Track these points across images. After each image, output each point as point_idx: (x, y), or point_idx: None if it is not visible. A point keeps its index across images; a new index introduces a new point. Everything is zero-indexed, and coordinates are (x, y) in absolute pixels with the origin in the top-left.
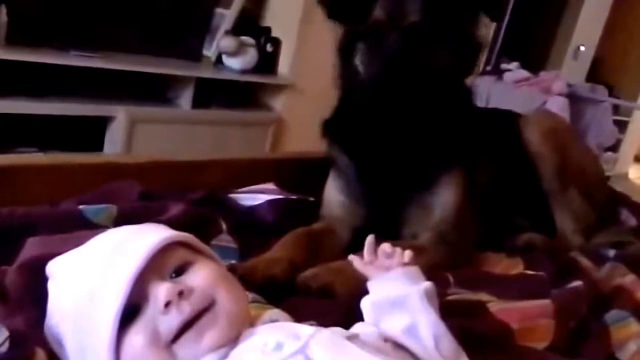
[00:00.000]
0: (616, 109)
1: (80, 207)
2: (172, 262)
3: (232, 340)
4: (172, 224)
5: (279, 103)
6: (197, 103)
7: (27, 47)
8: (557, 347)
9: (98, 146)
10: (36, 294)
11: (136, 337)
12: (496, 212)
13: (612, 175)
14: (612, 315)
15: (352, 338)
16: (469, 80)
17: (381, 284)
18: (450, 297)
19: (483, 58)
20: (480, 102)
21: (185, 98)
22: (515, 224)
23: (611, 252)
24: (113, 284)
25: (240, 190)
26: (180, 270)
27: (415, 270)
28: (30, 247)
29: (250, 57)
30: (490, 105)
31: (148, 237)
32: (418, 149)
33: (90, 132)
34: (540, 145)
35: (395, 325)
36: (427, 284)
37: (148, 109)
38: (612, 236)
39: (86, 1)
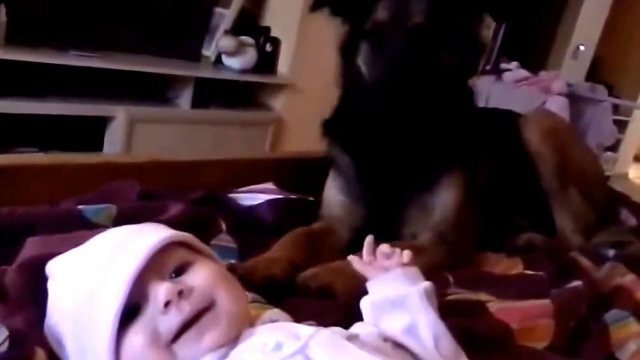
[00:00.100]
0: (616, 109)
1: (80, 207)
2: (172, 262)
3: (232, 341)
4: (172, 224)
5: (278, 103)
6: (197, 103)
7: (26, 47)
8: (557, 347)
9: (98, 146)
10: (36, 294)
11: (136, 337)
12: (496, 212)
13: (612, 175)
14: (612, 315)
15: (352, 338)
16: (470, 81)
17: (381, 285)
18: (450, 297)
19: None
20: (480, 102)
21: (185, 98)
22: (515, 224)
23: (611, 252)
24: (113, 284)
25: (240, 190)
26: (180, 271)
27: (414, 270)
28: (30, 247)
29: (250, 57)
30: (490, 105)
31: (148, 237)
32: (419, 150)
33: (90, 132)
34: (540, 145)
35: (395, 326)
36: (427, 284)
37: (148, 109)
38: (612, 236)
39: (86, 1)
